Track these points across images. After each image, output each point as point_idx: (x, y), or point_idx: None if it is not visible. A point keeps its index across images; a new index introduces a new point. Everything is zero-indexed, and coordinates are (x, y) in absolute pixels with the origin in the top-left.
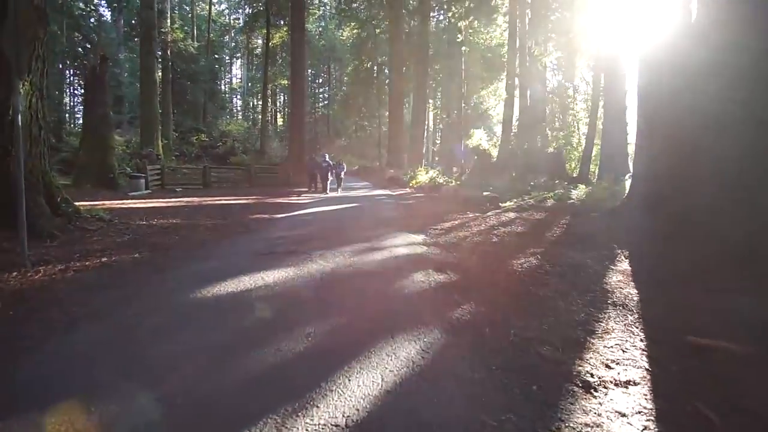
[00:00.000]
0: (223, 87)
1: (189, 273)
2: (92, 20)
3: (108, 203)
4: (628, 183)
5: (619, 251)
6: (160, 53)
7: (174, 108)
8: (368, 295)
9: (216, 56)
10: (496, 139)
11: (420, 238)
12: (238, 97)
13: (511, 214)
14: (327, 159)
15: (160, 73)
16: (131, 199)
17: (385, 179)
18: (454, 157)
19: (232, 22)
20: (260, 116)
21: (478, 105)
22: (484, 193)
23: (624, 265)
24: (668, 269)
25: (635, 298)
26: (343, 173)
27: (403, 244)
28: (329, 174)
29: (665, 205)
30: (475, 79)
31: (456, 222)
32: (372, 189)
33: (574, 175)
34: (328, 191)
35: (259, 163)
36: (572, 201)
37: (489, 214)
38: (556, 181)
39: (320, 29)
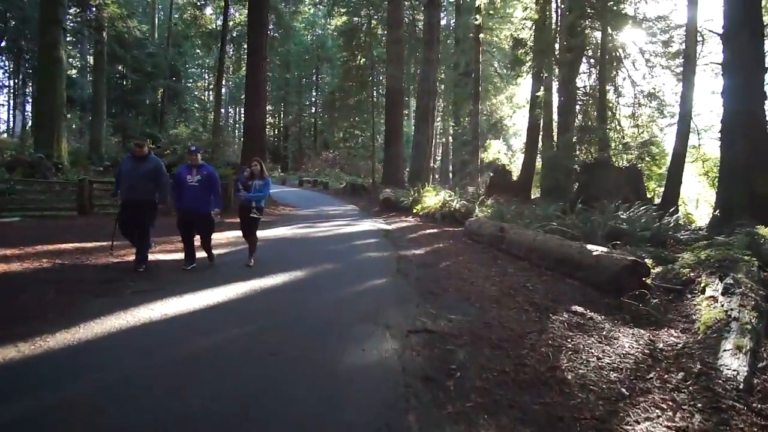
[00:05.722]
0: (208, 96)
1: None
2: None
3: None
4: None
5: None
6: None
7: (123, 109)
8: None
9: (180, 50)
10: (510, 154)
11: None
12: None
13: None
14: (200, 160)
15: (97, 60)
16: None
17: (379, 202)
18: (466, 173)
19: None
20: (213, 116)
21: (492, 114)
22: (589, 247)
23: None
24: None
25: None
26: (262, 201)
27: None
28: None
29: None
30: (487, 83)
31: None
32: (356, 219)
33: (655, 200)
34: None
35: None
36: None
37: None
38: (663, 216)
39: (311, 31)
